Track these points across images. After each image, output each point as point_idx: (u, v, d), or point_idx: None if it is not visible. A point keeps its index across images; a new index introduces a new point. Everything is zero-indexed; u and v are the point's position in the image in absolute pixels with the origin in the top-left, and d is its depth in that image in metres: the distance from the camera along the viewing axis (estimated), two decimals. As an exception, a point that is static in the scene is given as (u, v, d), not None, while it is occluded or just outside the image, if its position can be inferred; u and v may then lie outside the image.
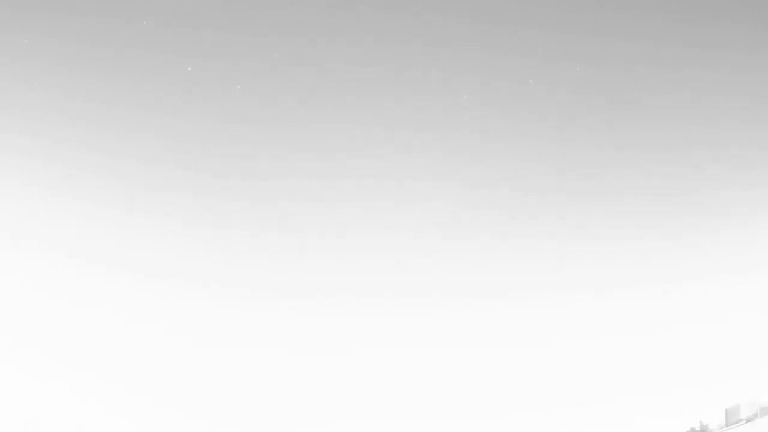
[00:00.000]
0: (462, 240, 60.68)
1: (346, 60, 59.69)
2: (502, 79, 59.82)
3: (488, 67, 59.67)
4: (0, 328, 55.76)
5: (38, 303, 56.78)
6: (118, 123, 58.74)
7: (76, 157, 58.26)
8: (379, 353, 58.96)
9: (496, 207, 60.26)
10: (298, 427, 56.44)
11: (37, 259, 57.42)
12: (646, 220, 59.76)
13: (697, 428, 41.29)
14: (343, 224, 60.57)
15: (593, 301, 59.80)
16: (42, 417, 52.61)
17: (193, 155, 59.91)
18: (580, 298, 60.01)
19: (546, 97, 59.67)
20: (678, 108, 59.24)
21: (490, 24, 59.12)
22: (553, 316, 59.97)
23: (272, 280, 60.28)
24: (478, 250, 60.41)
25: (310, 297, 59.75)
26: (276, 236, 60.22)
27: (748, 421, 35.64)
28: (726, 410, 38.18)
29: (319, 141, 60.29)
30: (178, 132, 59.69)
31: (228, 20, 58.37)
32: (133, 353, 57.70)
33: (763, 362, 51.78)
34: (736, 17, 57.16)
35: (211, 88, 59.16)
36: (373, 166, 60.14)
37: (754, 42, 56.66)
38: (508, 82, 59.51)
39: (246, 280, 59.97)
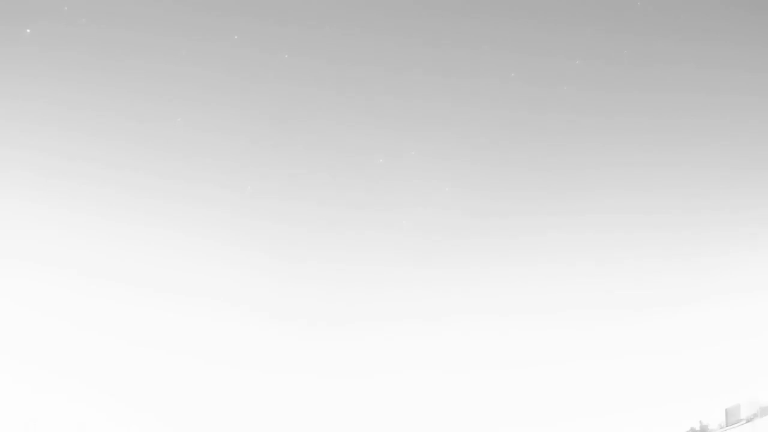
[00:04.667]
0: (463, 261, 60.85)
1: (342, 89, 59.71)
2: (492, 99, 59.78)
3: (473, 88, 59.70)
4: (0, 327, 55.79)
5: (39, 304, 56.80)
6: (126, 135, 58.65)
7: (75, 168, 58.21)
8: (381, 375, 59.29)
9: (498, 224, 60.38)
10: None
11: (38, 264, 57.44)
12: (641, 239, 59.90)
13: (697, 428, 41.29)
14: (345, 247, 60.67)
15: (594, 303, 59.90)
16: (42, 417, 52.59)
17: (201, 170, 59.92)
18: (581, 302, 60.11)
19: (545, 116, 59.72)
20: (685, 125, 59.24)
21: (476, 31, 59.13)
22: (555, 323, 60.05)
23: (268, 299, 60.49)
24: (476, 271, 60.58)
25: (314, 317, 60.02)
26: (277, 255, 60.34)
27: (748, 421, 35.65)
28: (726, 410, 38.17)
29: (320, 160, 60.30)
30: (187, 146, 59.64)
31: (245, 35, 58.35)
32: (135, 358, 57.77)
33: (763, 362, 51.81)
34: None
35: (220, 98, 59.12)
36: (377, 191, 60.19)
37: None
38: (495, 104, 59.46)
39: (247, 299, 60.21)
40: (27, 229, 57.31)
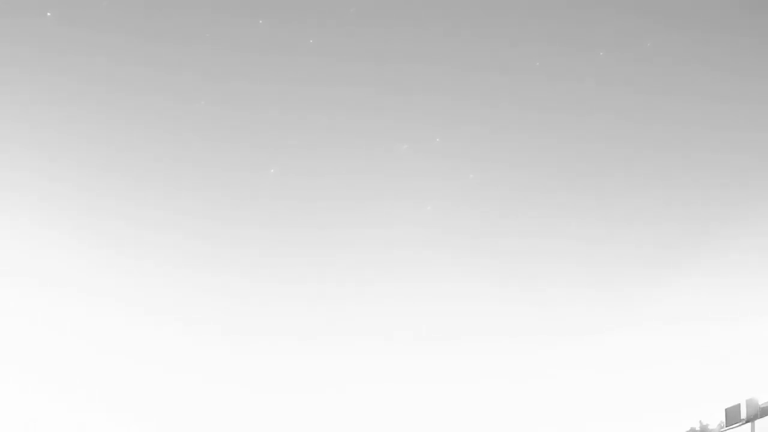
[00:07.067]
0: (465, 283, 60.89)
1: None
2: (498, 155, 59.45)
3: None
4: (0, 327, 55.84)
5: (40, 305, 56.86)
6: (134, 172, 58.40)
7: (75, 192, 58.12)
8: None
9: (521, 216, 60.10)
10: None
11: (38, 269, 57.51)
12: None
13: (697, 428, 41.26)
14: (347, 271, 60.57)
15: (598, 305, 60.02)
16: (42, 417, 52.59)
17: (216, 152, 59.64)
18: (589, 302, 60.24)
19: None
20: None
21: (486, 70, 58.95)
22: (561, 323, 60.18)
23: (276, 292, 60.41)
24: (476, 295, 60.62)
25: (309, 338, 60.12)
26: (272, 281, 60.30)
27: (748, 421, 35.62)
28: (726, 410, 38.14)
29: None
30: (209, 133, 59.33)
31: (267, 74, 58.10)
32: (135, 362, 57.89)
33: (763, 362, 51.79)
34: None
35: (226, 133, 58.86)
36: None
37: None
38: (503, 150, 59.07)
39: (248, 294, 60.17)
40: (31, 236, 57.37)
